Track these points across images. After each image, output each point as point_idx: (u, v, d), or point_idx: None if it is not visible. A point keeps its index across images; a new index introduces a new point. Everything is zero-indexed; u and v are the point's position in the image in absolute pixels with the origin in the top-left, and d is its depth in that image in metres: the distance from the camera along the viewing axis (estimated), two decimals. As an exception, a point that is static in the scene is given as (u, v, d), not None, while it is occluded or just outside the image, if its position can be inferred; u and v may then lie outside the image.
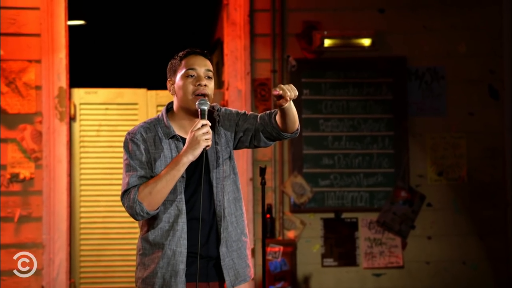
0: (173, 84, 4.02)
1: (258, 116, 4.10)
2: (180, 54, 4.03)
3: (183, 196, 3.92)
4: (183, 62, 3.99)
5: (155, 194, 3.82)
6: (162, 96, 7.79)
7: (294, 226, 7.19)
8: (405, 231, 7.27)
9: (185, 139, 3.91)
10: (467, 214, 7.32)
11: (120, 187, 7.52)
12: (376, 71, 7.35)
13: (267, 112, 4.10)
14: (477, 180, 7.34)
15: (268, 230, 7.06)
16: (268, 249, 6.98)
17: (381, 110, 7.32)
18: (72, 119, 7.54)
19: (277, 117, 3.98)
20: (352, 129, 7.29)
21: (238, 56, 7.24)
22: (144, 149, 3.93)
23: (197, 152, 3.79)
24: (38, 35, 7.06)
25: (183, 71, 3.96)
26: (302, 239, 7.20)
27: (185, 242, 3.90)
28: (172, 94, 4.03)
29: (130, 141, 3.95)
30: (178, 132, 3.98)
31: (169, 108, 4.09)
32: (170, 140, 3.96)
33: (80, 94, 7.69)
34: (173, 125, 3.99)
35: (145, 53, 9.77)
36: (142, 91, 7.82)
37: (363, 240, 7.25)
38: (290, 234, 7.17)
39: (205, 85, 3.93)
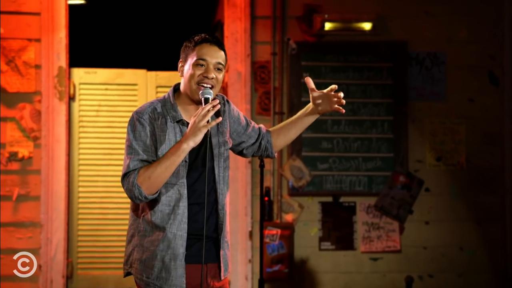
0: (182, 66, 4.00)
1: (259, 128, 4.31)
2: (196, 38, 3.99)
3: (185, 180, 3.91)
4: (196, 49, 3.95)
5: (154, 179, 3.80)
6: (162, 77, 7.79)
7: (292, 209, 7.20)
8: (403, 216, 7.28)
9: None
10: (465, 200, 7.33)
11: (118, 168, 7.53)
12: (376, 56, 7.34)
13: (263, 127, 4.33)
14: (475, 166, 7.35)
15: (266, 213, 7.06)
16: (266, 232, 6.99)
17: (381, 94, 7.32)
18: (71, 98, 7.54)
19: (282, 130, 4.31)
20: (351, 113, 7.28)
21: (238, 38, 7.22)
22: (150, 130, 3.90)
23: (198, 138, 3.78)
24: (38, 13, 7.04)
25: (194, 59, 3.93)
26: (300, 222, 7.21)
27: (186, 226, 3.90)
28: (181, 76, 4.02)
29: (137, 121, 3.91)
30: (184, 116, 3.98)
31: (176, 88, 4.08)
32: (176, 123, 3.95)
33: (80, 74, 7.69)
34: (179, 108, 3.99)
35: (145, 34, 9.75)
36: (142, 72, 7.82)
37: (361, 224, 7.26)
38: (288, 217, 7.17)
39: (212, 78, 3.92)
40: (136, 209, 4.01)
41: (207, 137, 3.87)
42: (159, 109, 3.96)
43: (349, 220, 7.26)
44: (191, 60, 3.94)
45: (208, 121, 3.78)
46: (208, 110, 3.79)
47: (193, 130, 3.77)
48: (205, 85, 3.90)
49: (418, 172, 7.32)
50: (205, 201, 3.90)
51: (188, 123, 3.94)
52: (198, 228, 3.91)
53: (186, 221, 3.90)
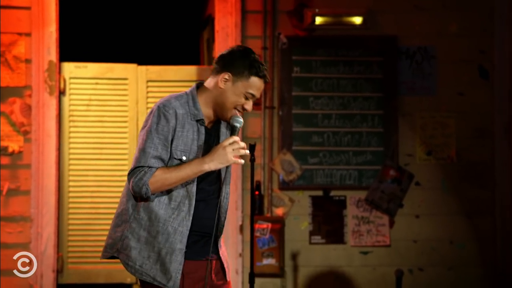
0: (228, 81, 3.99)
1: None
2: (256, 66, 3.99)
3: (195, 178, 3.96)
4: (251, 79, 3.99)
5: (166, 185, 3.91)
6: (153, 72, 7.77)
7: (282, 203, 7.20)
8: (393, 210, 7.29)
9: (206, 127, 4.03)
10: (455, 193, 7.34)
11: (109, 162, 7.46)
12: (367, 50, 7.35)
13: None
14: (465, 160, 7.36)
15: (257, 207, 7.07)
16: (256, 226, 7.00)
17: (371, 88, 7.32)
18: (61, 93, 7.51)
19: None
20: (342, 107, 7.29)
21: (229, 32, 7.22)
22: (172, 126, 3.94)
23: (222, 166, 3.93)
24: (28, 8, 7.03)
25: (245, 89, 3.98)
26: (290, 216, 7.21)
27: (189, 223, 3.95)
28: (219, 87, 4.00)
29: (162, 114, 3.94)
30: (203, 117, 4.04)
31: (198, 85, 4.10)
32: (195, 122, 3.99)
33: (70, 68, 7.67)
34: (201, 107, 4.03)
35: (135, 28, 9.74)
36: (132, 66, 7.79)
37: (351, 218, 7.27)
38: (279, 211, 7.18)
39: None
40: (135, 196, 4.01)
41: (219, 138, 4.05)
42: (183, 105, 3.99)
43: (339, 214, 7.27)
44: (242, 86, 3.98)
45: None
46: (238, 142, 3.91)
47: (221, 157, 3.89)
48: (238, 113, 4.01)
49: (408, 166, 7.33)
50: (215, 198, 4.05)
51: (204, 124, 4.02)
52: (202, 225, 3.99)
53: (190, 218, 3.96)
